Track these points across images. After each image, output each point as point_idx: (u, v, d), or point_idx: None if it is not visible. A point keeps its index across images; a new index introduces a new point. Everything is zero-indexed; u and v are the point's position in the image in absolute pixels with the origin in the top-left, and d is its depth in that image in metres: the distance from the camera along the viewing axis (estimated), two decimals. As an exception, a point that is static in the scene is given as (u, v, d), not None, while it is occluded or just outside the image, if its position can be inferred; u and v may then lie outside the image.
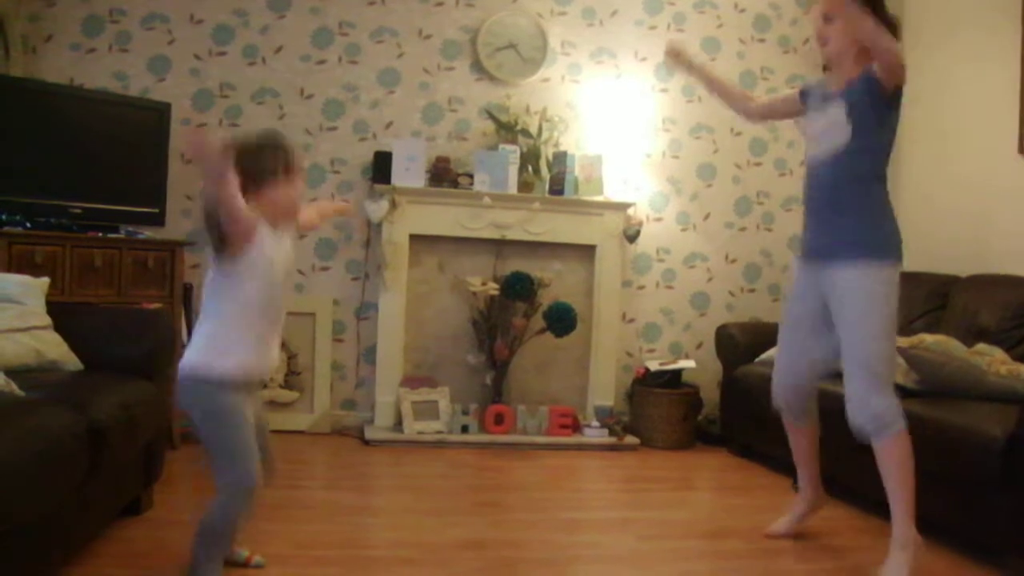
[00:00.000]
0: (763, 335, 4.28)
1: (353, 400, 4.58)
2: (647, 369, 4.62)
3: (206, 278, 2.25)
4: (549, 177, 4.59)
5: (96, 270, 3.60)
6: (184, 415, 2.33)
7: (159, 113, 4.03)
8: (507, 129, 4.57)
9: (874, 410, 2.58)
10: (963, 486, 2.82)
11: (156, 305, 3.69)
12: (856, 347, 2.62)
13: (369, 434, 4.27)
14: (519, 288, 4.39)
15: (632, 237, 4.64)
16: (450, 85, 4.65)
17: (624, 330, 4.84)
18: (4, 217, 3.50)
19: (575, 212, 4.58)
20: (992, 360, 3.20)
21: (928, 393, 3.22)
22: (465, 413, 4.36)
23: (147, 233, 3.90)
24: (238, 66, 4.44)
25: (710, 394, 4.70)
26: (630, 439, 4.44)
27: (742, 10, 4.96)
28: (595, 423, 4.48)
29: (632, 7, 4.83)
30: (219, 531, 2.24)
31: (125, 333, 2.97)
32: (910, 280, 4.14)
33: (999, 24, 4.03)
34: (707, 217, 4.96)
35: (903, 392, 3.25)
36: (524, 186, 4.53)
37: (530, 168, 4.57)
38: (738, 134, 4.94)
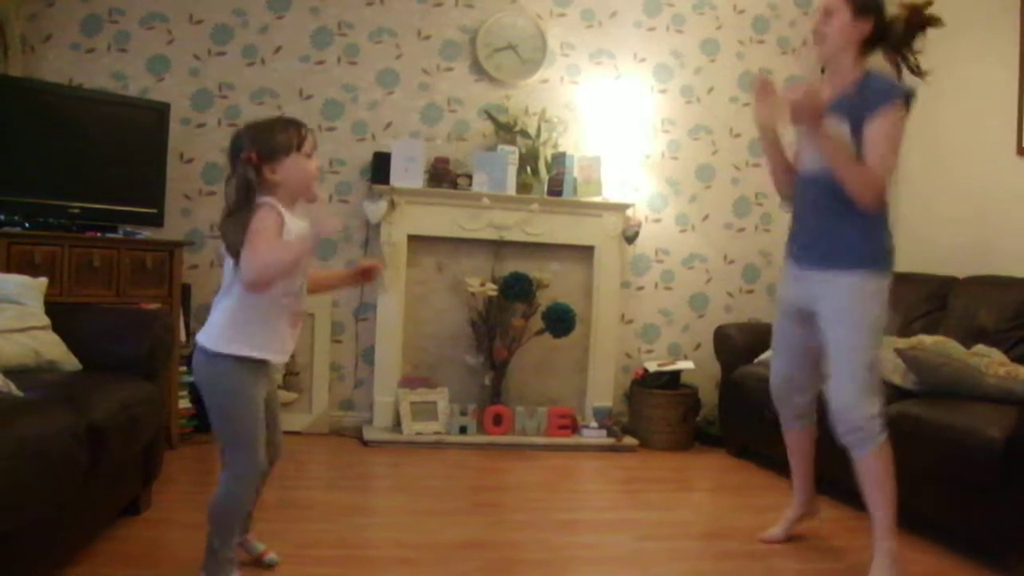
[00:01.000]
0: (762, 336, 4.27)
1: (351, 401, 4.58)
2: (646, 370, 4.62)
3: (227, 261, 2.22)
4: (548, 178, 4.59)
5: (94, 270, 3.59)
6: (198, 387, 2.33)
7: (158, 113, 4.03)
8: (506, 130, 4.57)
9: (857, 420, 2.56)
10: (962, 487, 2.82)
11: (154, 305, 3.69)
12: (844, 355, 2.60)
13: (367, 435, 4.27)
14: (518, 289, 4.40)
15: (631, 238, 4.64)
16: (449, 86, 4.65)
17: (623, 331, 4.84)
18: (3, 217, 3.49)
19: (574, 213, 4.58)
20: (991, 361, 3.21)
21: (927, 394, 3.22)
22: (464, 414, 4.36)
23: (146, 233, 3.90)
24: (237, 66, 4.44)
25: (708, 395, 4.70)
26: (628, 440, 4.44)
27: (741, 11, 4.96)
28: (594, 424, 4.48)
29: (631, 8, 4.83)
30: (228, 513, 2.25)
31: (123, 333, 2.97)
32: (909, 281, 4.15)
33: (998, 24, 4.04)
34: (706, 218, 4.96)
35: (901, 393, 3.27)
36: (523, 187, 4.53)
37: (529, 169, 4.57)
38: (737, 135, 4.95)
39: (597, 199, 4.58)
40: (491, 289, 4.39)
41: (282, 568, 2.51)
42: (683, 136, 4.91)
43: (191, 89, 4.39)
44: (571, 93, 4.77)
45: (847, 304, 2.61)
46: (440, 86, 4.65)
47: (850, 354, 2.59)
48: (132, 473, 2.82)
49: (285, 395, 4.38)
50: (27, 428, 2.00)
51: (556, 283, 4.54)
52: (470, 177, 4.47)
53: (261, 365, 2.26)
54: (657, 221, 4.89)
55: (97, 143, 3.81)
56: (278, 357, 2.30)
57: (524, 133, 4.57)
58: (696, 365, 4.68)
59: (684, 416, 4.50)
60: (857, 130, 2.55)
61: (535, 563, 2.72)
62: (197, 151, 4.38)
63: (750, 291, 5.02)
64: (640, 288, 4.91)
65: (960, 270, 4.00)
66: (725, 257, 5.00)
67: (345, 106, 4.56)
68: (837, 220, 2.63)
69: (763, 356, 4.11)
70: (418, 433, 4.26)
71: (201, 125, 4.38)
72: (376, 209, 4.34)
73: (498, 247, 4.52)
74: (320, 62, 4.53)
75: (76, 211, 3.70)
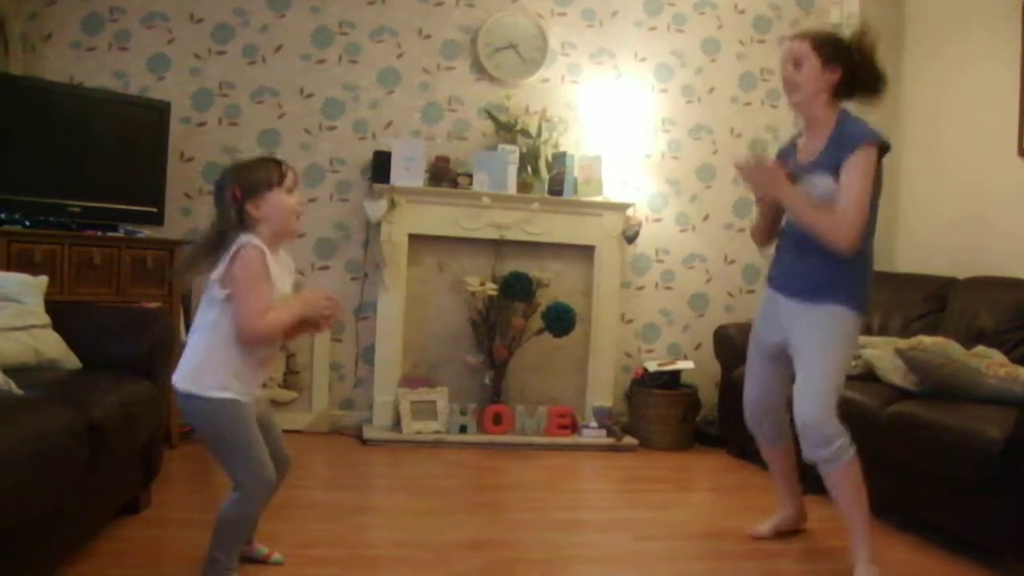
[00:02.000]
0: (762, 336, 4.28)
1: (351, 400, 4.58)
2: (645, 370, 4.62)
3: (206, 290, 2.26)
4: (548, 177, 4.59)
5: (95, 269, 3.59)
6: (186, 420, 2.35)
7: (159, 112, 4.03)
8: (506, 129, 4.57)
9: (826, 437, 2.60)
10: (961, 488, 2.82)
11: (155, 304, 3.69)
12: (810, 376, 2.64)
13: (367, 434, 4.27)
14: (518, 288, 4.39)
15: (631, 238, 4.64)
16: (450, 85, 4.65)
17: (623, 331, 4.84)
18: (3, 216, 3.50)
19: (574, 212, 4.58)
20: (991, 362, 3.20)
21: (926, 395, 3.22)
22: (463, 413, 4.36)
23: (146, 232, 3.90)
24: (238, 65, 4.44)
25: (708, 395, 4.70)
26: (628, 440, 4.44)
27: (742, 11, 4.96)
28: (593, 424, 4.48)
29: (632, 8, 4.83)
30: (237, 525, 2.28)
31: (123, 332, 2.97)
32: (909, 282, 4.16)
33: (999, 25, 4.04)
34: (706, 218, 4.96)
35: (902, 393, 3.26)
36: (523, 186, 4.53)
37: (529, 168, 4.57)
38: (738, 135, 4.95)
39: (597, 199, 4.58)
40: (491, 288, 4.39)
41: (282, 568, 2.52)
42: (684, 136, 4.91)
43: (192, 88, 4.39)
44: (572, 92, 4.76)
45: (818, 330, 2.66)
46: (441, 85, 4.64)
47: (817, 375, 2.63)
48: (131, 472, 2.82)
49: (285, 394, 4.38)
50: (27, 426, 2.00)
51: (556, 282, 4.54)
52: (470, 176, 4.47)
53: (241, 394, 2.27)
54: (657, 221, 4.89)
55: (98, 142, 3.82)
56: (245, 397, 2.29)
57: (525, 132, 4.57)
58: (696, 365, 4.68)
59: (684, 416, 4.50)
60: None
61: (535, 562, 2.72)
62: (197, 150, 4.38)
63: (750, 291, 5.02)
64: (640, 288, 4.91)
65: (960, 271, 4.00)
66: (725, 257, 5.00)
67: (346, 105, 4.55)
68: (819, 259, 2.65)
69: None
70: (418, 432, 4.26)
71: (202, 124, 4.38)
72: (376, 208, 4.34)
73: (498, 246, 4.52)
74: (321, 61, 4.53)
75: (76, 210, 3.70)
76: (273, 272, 2.25)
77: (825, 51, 2.63)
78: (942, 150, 4.42)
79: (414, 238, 4.46)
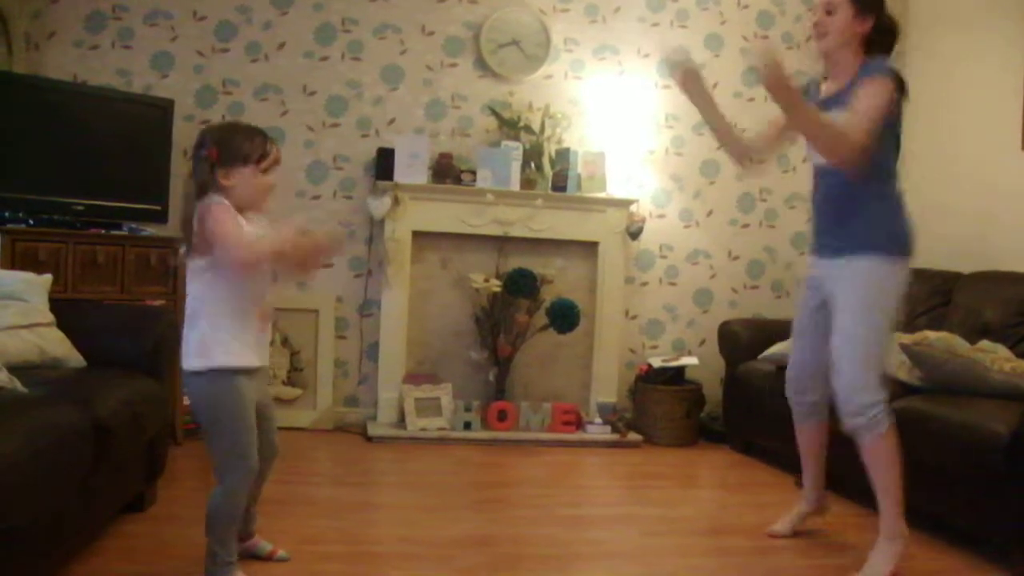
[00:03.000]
0: (766, 332, 4.28)
1: (356, 397, 4.58)
2: (650, 366, 4.61)
3: (191, 276, 2.28)
4: (552, 174, 4.58)
5: (99, 267, 3.60)
6: (189, 407, 2.36)
7: (162, 110, 4.03)
8: (510, 126, 4.56)
9: (861, 406, 2.56)
10: (967, 482, 2.82)
11: (159, 302, 3.70)
12: (848, 340, 2.60)
13: (372, 431, 4.27)
14: (522, 285, 4.39)
15: (635, 234, 4.63)
16: (453, 82, 4.65)
17: (627, 327, 4.84)
18: (7, 214, 3.50)
19: (578, 209, 4.58)
20: (996, 357, 3.20)
21: (931, 390, 3.22)
22: (468, 410, 4.36)
23: (150, 230, 3.91)
24: (241, 62, 4.44)
25: (713, 391, 4.69)
26: (633, 436, 4.44)
27: (745, 7, 4.95)
28: (598, 420, 4.48)
29: (635, 4, 4.82)
30: (226, 515, 2.28)
31: (128, 330, 2.98)
32: (913, 276, 4.13)
33: (1002, 21, 4.03)
34: (710, 214, 4.95)
35: (906, 388, 3.26)
36: (527, 183, 4.52)
37: (533, 165, 4.56)
38: (742, 131, 4.89)
39: (601, 195, 4.58)
40: (495, 285, 4.38)
41: (287, 564, 2.52)
42: (687, 132, 4.90)
43: (195, 86, 4.39)
44: (575, 89, 4.76)
45: (854, 288, 2.61)
46: (444, 82, 4.64)
47: (854, 339, 2.59)
48: (136, 470, 2.82)
49: (289, 391, 4.39)
50: (32, 424, 2.01)
51: (560, 279, 4.53)
52: (474, 173, 4.47)
53: (246, 369, 2.29)
54: (661, 217, 4.88)
55: (101, 140, 3.82)
56: (255, 360, 2.31)
57: (528, 129, 4.57)
58: (700, 361, 4.67)
59: (688, 412, 4.50)
60: None
61: (540, 558, 2.72)
62: (201, 148, 4.37)
63: (754, 287, 5.02)
64: (644, 284, 4.90)
65: (965, 266, 3.99)
66: (729, 253, 4.99)
67: (349, 102, 4.55)
68: (849, 210, 2.64)
69: (768, 352, 4.11)
70: (422, 429, 4.27)
71: (205, 122, 4.37)
72: (380, 205, 4.34)
73: (502, 243, 4.52)
74: (324, 58, 4.53)
75: (80, 208, 3.70)
76: (247, 229, 2.23)
77: (861, 0, 2.60)
78: (946, 145, 4.41)
79: (418, 235, 4.46)
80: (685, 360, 4.61)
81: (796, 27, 4.99)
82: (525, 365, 4.58)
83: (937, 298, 3.94)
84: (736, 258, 5.00)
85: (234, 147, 2.24)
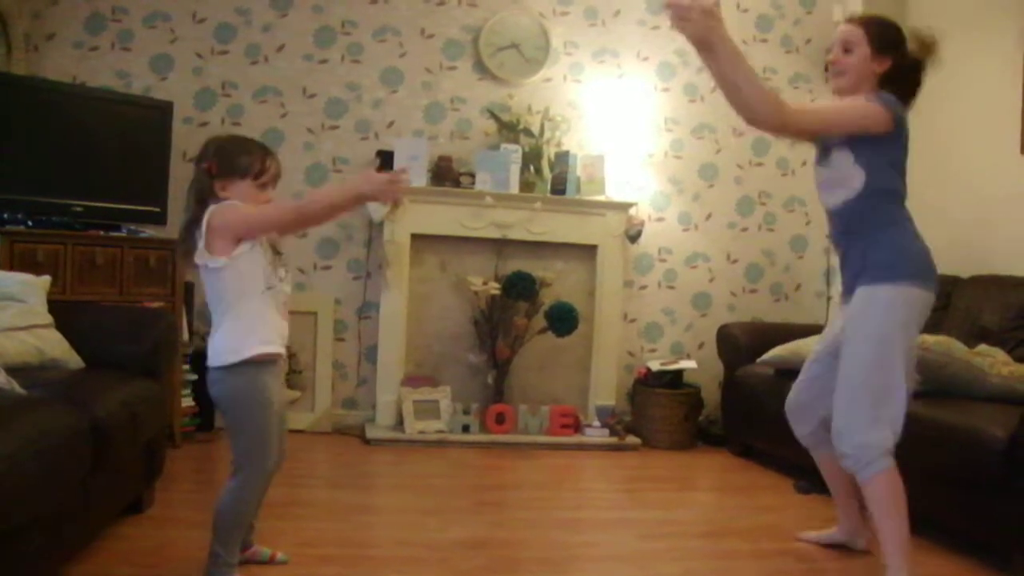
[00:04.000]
0: (765, 335, 4.28)
1: (354, 399, 4.58)
2: (648, 369, 4.61)
3: (207, 278, 2.28)
4: (551, 177, 4.58)
5: (98, 268, 3.60)
6: (216, 404, 2.36)
7: (161, 111, 4.03)
8: (509, 129, 4.56)
9: (852, 445, 2.46)
10: (965, 487, 2.82)
11: (158, 304, 3.69)
12: (845, 376, 2.51)
13: (370, 433, 4.27)
14: (521, 288, 4.39)
15: (634, 237, 4.63)
16: (452, 84, 4.65)
17: (626, 330, 4.84)
18: (6, 215, 3.50)
19: (577, 212, 4.58)
20: (994, 361, 3.20)
21: (930, 394, 3.21)
22: (466, 412, 4.36)
23: (149, 231, 3.91)
24: (240, 65, 4.44)
25: (711, 394, 4.69)
26: (631, 439, 4.44)
27: (744, 10, 4.95)
28: (596, 423, 4.48)
29: (634, 7, 4.83)
30: (236, 516, 2.28)
31: (127, 331, 2.98)
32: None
33: (1001, 23, 4.03)
34: (709, 217, 4.96)
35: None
36: (526, 186, 4.53)
37: (532, 168, 4.57)
38: (740, 134, 4.94)
39: (600, 198, 4.58)
40: (494, 288, 4.39)
41: (285, 567, 2.51)
42: (686, 135, 4.90)
43: (194, 88, 4.39)
44: (574, 92, 4.76)
45: (853, 318, 2.53)
46: (443, 85, 4.64)
47: (851, 371, 2.49)
48: (135, 471, 2.82)
49: (288, 393, 4.38)
50: (30, 426, 2.00)
51: (559, 282, 4.54)
52: (473, 176, 4.47)
53: (273, 365, 2.32)
54: (660, 220, 4.88)
55: (100, 141, 3.82)
56: (280, 347, 2.34)
57: (527, 132, 4.57)
58: (699, 364, 4.68)
59: (687, 415, 4.50)
60: (860, 158, 2.50)
61: (538, 561, 2.72)
62: (200, 150, 4.38)
63: (753, 291, 5.02)
64: (643, 287, 4.90)
65: (963, 270, 3.99)
66: (728, 256, 4.99)
67: (348, 104, 4.56)
68: (858, 243, 2.55)
69: (766, 356, 4.10)
70: (421, 432, 4.26)
71: (204, 124, 4.38)
72: (379, 208, 4.34)
73: (501, 246, 4.52)
74: (323, 61, 4.53)
75: (79, 209, 3.70)
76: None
77: (879, 40, 2.54)
78: (945, 149, 4.40)
79: (417, 238, 4.46)
80: (684, 363, 4.61)
81: (795, 30, 5.00)
82: (524, 368, 4.57)
83: (935, 302, 3.93)
84: (735, 261, 5.00)
85: (232, 160, 2.27)
